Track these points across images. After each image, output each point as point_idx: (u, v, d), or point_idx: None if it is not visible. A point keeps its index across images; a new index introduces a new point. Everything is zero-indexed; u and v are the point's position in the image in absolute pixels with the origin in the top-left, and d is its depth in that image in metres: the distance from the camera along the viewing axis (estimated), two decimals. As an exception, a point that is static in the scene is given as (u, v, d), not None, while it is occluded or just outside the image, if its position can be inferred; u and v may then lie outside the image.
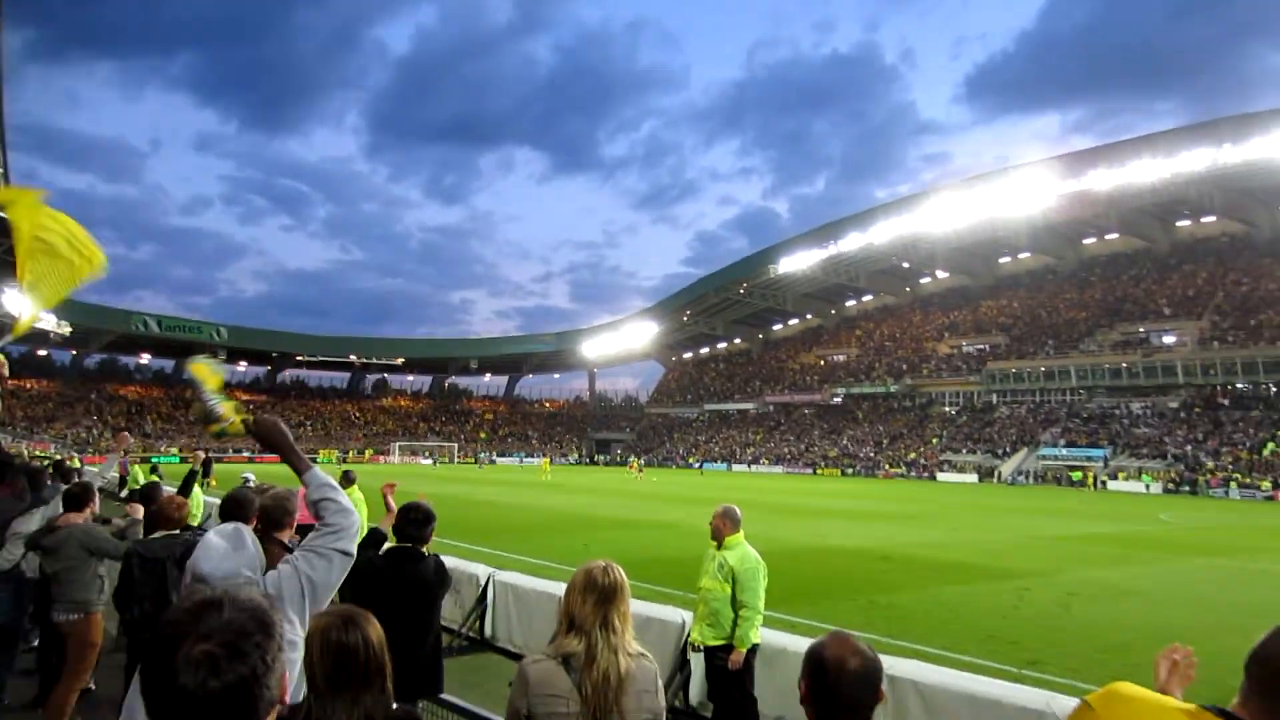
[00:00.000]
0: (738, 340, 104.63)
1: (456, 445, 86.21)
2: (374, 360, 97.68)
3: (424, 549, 4.97)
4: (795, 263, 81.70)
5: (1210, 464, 51.19)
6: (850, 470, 68.52)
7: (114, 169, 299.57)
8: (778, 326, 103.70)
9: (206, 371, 3.01)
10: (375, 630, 2.23)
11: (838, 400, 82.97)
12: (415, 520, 4.93)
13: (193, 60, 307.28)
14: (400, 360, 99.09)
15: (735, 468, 76.60)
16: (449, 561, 6.29)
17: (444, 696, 4.23)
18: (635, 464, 64.76)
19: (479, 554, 14.45)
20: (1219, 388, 58.28)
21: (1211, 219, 69.10)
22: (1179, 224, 72.40)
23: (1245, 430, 53.69)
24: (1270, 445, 50.73)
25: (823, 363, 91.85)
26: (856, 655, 2.07)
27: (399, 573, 4.77)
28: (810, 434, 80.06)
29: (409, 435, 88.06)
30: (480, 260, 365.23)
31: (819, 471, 69.64)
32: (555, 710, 2.59)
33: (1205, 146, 55.06)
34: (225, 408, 2.94)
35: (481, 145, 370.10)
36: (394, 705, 2.28)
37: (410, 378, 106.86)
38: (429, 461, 77.79)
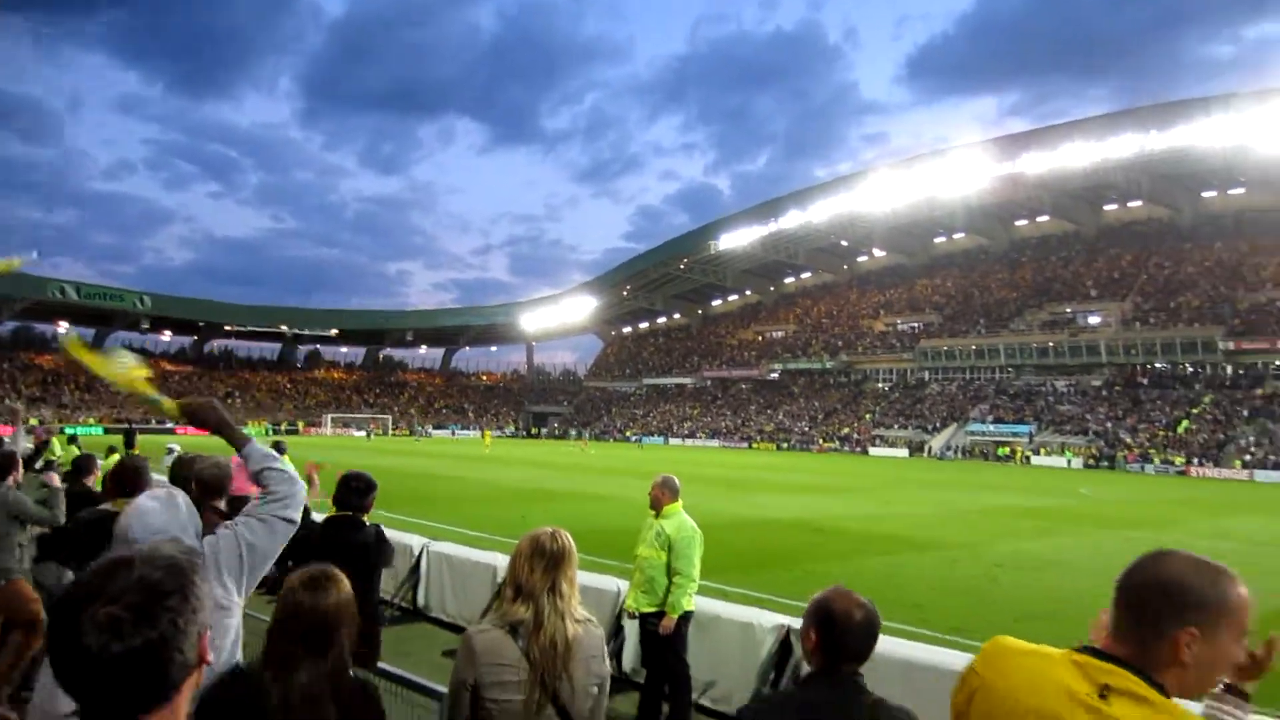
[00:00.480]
0: (677, 315, 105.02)
1: (390, 418, 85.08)
2: (306, 331, 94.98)
3: (364, 518, 4.92)
4: (735, 239, 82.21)
5: (1129, 440, 53.12)
6: (785, 444, 69.45)
7: (29, 130, 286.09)
8: (717, 302, 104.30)
9: (123, 372, 2.79)
10: (339, 593, 2.14)
11: (774, 376, 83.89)
12: (356, 489, 4.89)
13: (115, 18, 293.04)
14: (334, 331, 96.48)
15: (672, 441, 77.06)
16: (386, 531, 6.21)
17: (380, 665, 4.20)
18: (586, 440, 66.47)
19: (414, 525, 14.31)
20: (1139, 367, 60.41)
21: (1138, 203, 71.23)
22: (1107, 208, 74.59)
23: (1162, 409, 55.78)
24: (1185, 423, 52.82)
25: (761, 339, 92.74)
26: (860, 608, 2.27)
27: (338, 540, 4.70)
28: (747, 409, 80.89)
29: (342, 407, 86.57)
30: (419, 231, 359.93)
31: (755, 445, 70.42)
32: (504, 679, 2.55)
33: (1133, 132, 56.74)
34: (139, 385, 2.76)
35: (421, 114, 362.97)
36: (350, 673, 2.19)
37: (344, 349, 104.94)
38: (362, 434, 76.58)
